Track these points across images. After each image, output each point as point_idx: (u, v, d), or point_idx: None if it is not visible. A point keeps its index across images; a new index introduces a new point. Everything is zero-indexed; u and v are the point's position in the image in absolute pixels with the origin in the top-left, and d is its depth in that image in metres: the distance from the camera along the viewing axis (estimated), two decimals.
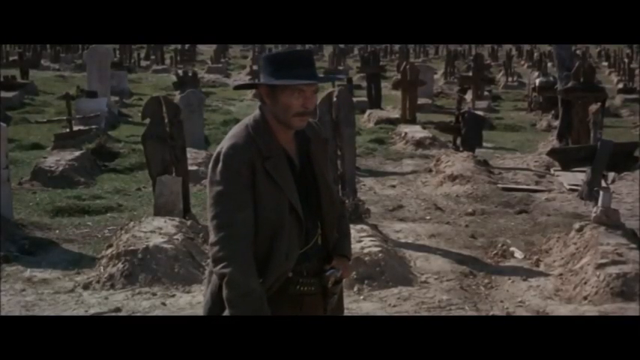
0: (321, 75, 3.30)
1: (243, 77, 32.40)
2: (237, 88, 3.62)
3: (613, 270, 6.77)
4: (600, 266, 6.88)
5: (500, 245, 8.31)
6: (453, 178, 11.46)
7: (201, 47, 47.52)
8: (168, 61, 37.58)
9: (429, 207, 10.18)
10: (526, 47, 49.34)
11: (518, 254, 8.12)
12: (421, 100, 20.29)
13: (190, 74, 20.68)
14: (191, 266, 7.17)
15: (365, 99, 20.70)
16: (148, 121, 8.84)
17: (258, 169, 2.99)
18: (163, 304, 6.43)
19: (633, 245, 7.48)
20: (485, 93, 24.13)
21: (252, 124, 3.08)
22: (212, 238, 3.01)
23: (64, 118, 14.18)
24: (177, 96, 15.79)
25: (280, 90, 3.02)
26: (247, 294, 2.93)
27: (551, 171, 12.49)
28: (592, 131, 9.60)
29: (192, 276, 7.00)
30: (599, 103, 10.51)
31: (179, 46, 39.10)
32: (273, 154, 3.03)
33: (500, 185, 11.53)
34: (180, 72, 22.84)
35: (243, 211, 2.97)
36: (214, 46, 41.14)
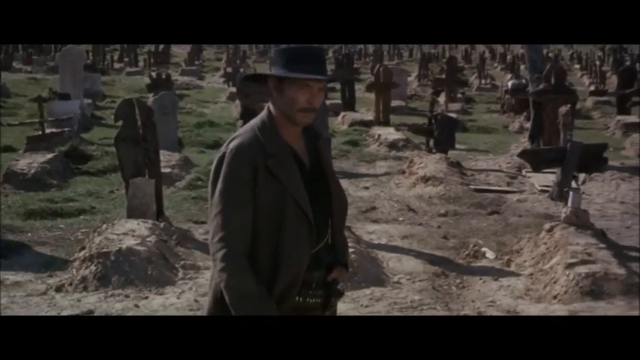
0: (330, 74, 3.27)
1: (217, 79, 32.38)
2: (246, 79, 3.46)
3: (582, 269, 6.86)
4: (570, 266, 6.97)
5: (472, 246, 8.39)
6: (425, 179, 11.54)
7: (175, 49, 47.37)
8: (141, 64, 37.44)
9: (402, 208, 10.25)
10: (499, 50, 49.70)
11: (490, 255, 8.20)
12: (395, 103, 20.40)
13: (164, 76, 20.63)
14: (164, 268, 7.17)
15: (339, 101, 20.78)
16: (120, 123, 8.83)
17: (261, 168, 2.93)
18: (136, 306, 6.42)
19: (602, 245, 7.59)
20: (459, 95, 24.31)
21: (258, 124, 3.03)
22: (210, 239, 2.98)
23: (37, 120, 14.11)
24: (150, 98, 15.74)
25: (287, 84, 2.98)
26: (245, 297, 2.89)
27: (523, 172, 12.61)
28: (562, 133, 9.72)
29: (165, 278, 7.00)
30: (568, 105, 10.64)
31: (152, 49, 38.95)
32: (277, 152, 2.97)
33: (472, 186, 11.63)
34: (153, 74, 22.76)
35: (242, 213, 2.92)
36: (188, 48, 41.08)
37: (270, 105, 3.07)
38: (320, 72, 3.01)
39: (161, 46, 39.97)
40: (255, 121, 3.06)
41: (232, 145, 2.97)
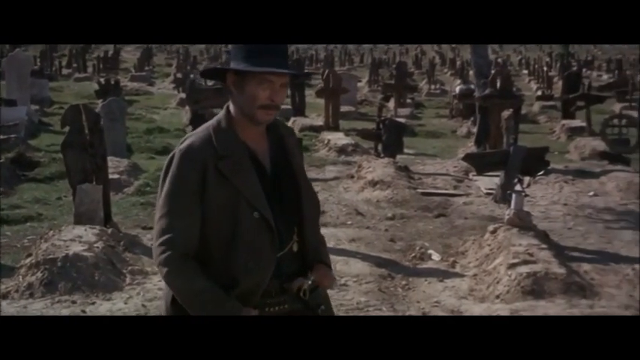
0: (292, 70, 3.01)
1: (167, 85, 32.21)
2: (204, 74, 3.22)
3: (524, 269, 7.04)
4: (512, 266, 7.14)
5: (418, 248, 8.53)
6: (374, 183, 11.67)
7: (124, 55, 47.04)
8: (90, 69, 37.07)
9: (350, 212, 10.36)
10: (449, 55, 50.27)
11: (436, 256, 8.35)
12: (345, 108, 20.54)
13: (113, 82, 20.47)
14: (111, 274, 7.17)
15: (289, 106, 20.85)
16: (67, 129, 8.79)
17: (211, 170, 2.75)
18: (83, 311, 6.42)
19: (544, 246, 7.78)
20: (408, 100, 24.54)
21: (214, 123, 2.85)
22: (153, 242, 2.82)
23: None
24: (99, 104, 15.64)
25: (248, 79, 2.78)
26: (197, 294, 2.73)
27: (470, 176, 12.81)
28: (505, 136, 9.92)
29: (112, 283, 7.00)
30: (511, 110, 10.86)
31: (102, 54, 38.61)
32: (230, 154, 2.78)
33: (419, 190, 11.78)
34: (102, 80, 22.58)
35: (185, 219, 2.75)
36: (138, 54, 40.79)
37: (229, 104, 2.89)
38: (282, 66, 2.80)
39: (110, 52, 39.63)
40: (211, 121, 2.89)
41: (183, 145, 2.81)
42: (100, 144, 8.77)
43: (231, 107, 2.87)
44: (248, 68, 2.77)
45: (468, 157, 9.46)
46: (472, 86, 20.05)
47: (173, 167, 2.79)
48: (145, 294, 6.79)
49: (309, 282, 2.89)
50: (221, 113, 2.88)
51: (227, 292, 2.75)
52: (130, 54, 47.53)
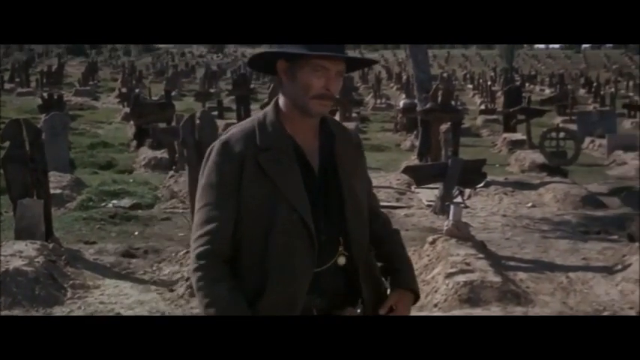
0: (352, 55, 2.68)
1: (112, 100, 31.99)
2: (251, 63, 2.75)
3: (461, 278, 7.21)
4: (449, 275, 7.30)
5: None
6: None
7: (69, 69, 46.58)
8: (33, 84, 36.65)
9: None
10: (395, 70, 50.83)
11: None
12: None
13: (56, 97, 20.32)
14: (52, 288, 7.15)
15: (235, 120, 20.92)
16: (8, 144, 8.75)
17: (249, 163, 2.50)
18: None
19: (481, 255, 7.97)
20: (354, 115, 24.79)
21: (259, 116, 2.60)
22: (192, 234, 2.59)
23: None
24: (42, 119, 15.52)
25: (301, 65, 2.50)
26: (211, 303, 2.47)
27: (412, 188, 13.02)
28: (443, 149, 10.13)
29: (53, 298, 6.98)
30: (449, 123, 11.09)
31: (45, 68, 38.20)
32: (273, 146, 2.51)
33: None
34: (45, 95, 22.39)
35: (222, 212, 2.50)
36: (82, 69, 40.46)
37: (278, 97, 2.62)
38: (339, 52, 2.53)
39: (54, 66, 39.24)
40: (259, 113, 2.63)
41: (223, 137, 2.57)
42: (41, 159, 8.74)
43: (281, 100, 2.59)
44: (302, 51, 2.49)
45: (407, 170, 9.64)
46: (416, 100, 20.37)
47: (211, 158, 2.56)
48: (87, 308, 6.80)
49: (358, 311, 2.56)
50: (269, 106, 2.61)
51: (252, 303, 2.49)
52: (75, 68, 47.09)
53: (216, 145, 2.56)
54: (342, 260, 2.56)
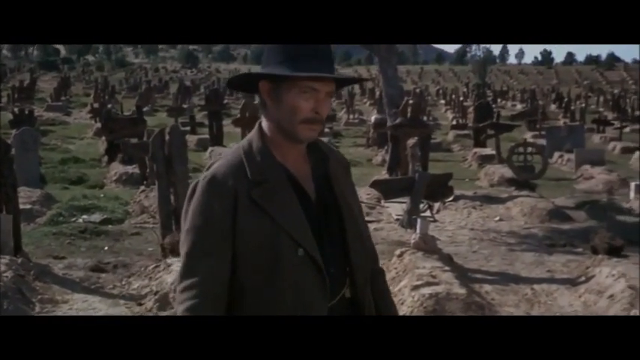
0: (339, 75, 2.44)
1: (84, 115, 31.91)
2: (231, 84, 2.48)
3: (427, 291, 7.31)
4: (415, 287, 7.40)
5: None
6: None
7: (41, 84, 46.41)
8: (5, 99, 36.47)
9: None
10: (368, 86, 51.13)
11: None
12: None
13: (27, 112, 20.27)
14: (20, 302, 7.16)
15: (207, 136, 20.98)
16: None
17: (243, 200, 2.25)
18: None
19: (447, 268, 8.08)
20: (327, 130, 24.91)
21: (244, 144, 2.34)
22: (176, 284, 2.33)
23: None
24: (13, 134, 15.49)
25: (286, 87, 2.27)
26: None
27: (382, 202, 13.14)
28: (410, 164, 10.26)
29: (20, 312, 6.98)
30: (416, 138, 11.23)
31: (17, 84, 38.04)
32: (266, 179, 2.28)
33: None
34: (16, 110, 22.31)
35: (209, 259, 2.25)
36: (55, 84, 40.35)
37: (261, 120, 2.38)
38: (328, 71, 2.29)
39: (26, 82, 39.09)
40: (241, 142, 2.38)
41: (209, 172, 2.31)
42: (10, 174, 8.75)
43: (264, 124, 2.36)
44: (287, 73, 2.25)
45: (375, 184, 9.76)
46: (386, 116, 20.59)
47: (196, 199, 2.29)
48: None
49: None
50: (252, 132, 2.38)
51: None
52: (47, 83, 46.92)
53: (200, 183, 2.30)
54: (348, 292, 2.38)
